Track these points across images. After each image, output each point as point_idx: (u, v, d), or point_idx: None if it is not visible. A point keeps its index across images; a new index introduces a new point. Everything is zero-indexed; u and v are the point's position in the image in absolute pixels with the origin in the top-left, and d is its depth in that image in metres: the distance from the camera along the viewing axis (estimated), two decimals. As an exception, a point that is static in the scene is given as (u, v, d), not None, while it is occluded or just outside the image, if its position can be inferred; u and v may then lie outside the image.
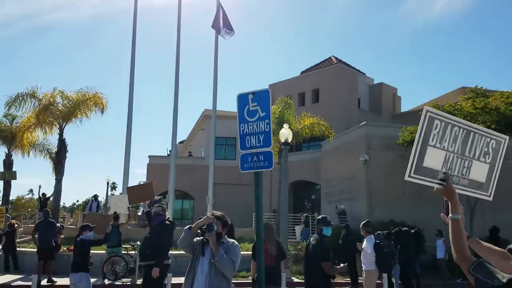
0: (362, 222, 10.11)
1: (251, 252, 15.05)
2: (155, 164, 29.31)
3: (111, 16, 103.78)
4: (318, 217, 6.26)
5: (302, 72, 31.04)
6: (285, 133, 13.90)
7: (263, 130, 4.06)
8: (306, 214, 19.52)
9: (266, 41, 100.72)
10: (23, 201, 58.44)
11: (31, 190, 64.07)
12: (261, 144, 4.11)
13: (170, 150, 29.26)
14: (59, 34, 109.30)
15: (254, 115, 4.05)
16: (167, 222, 7.16)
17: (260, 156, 4.20)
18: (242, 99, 4.18)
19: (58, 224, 13.63)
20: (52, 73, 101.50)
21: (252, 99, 4.08)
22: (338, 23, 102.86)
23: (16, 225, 14.47)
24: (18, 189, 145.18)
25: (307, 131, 18.94)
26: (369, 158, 19.80)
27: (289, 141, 14.04)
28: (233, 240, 3.98)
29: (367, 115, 27.38)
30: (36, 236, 11.69)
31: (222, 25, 18.84)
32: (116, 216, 13.01)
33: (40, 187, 20.55)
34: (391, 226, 17.56)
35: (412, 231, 13.27)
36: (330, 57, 30.61)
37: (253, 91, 4.10)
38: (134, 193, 8.03)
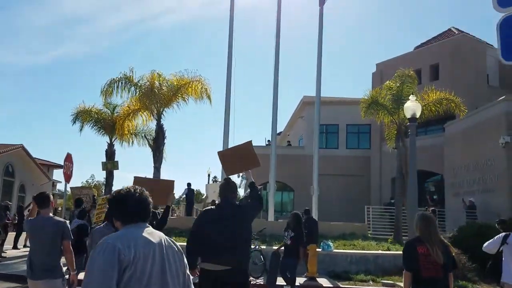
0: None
1: (383, 251, 12.62)
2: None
3: (210, 11, 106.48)
4: None
5: (416, 48, 27.32)
6: (412, 107, 11.19)
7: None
8: (432, 208, 16.48)
9: (370, 20, 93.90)
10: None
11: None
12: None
13: (269, 140, 27.87)
14: (164, 34, 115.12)
15: None
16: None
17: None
18: None
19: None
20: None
21: None
22: None
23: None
24: (127, 183, 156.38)
25: (432, 108, 15.87)
26: (511, 141, 16.09)
27: (417, 116, 11.30)
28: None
29: (498, 92, 22.98)
30: None
31: None
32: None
33: None
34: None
35: None
36: (449, 29, 26.41)
37: None
38: (230, 160, 5.36)
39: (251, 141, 5.36)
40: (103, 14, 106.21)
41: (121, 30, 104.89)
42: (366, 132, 27.95)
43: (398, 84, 15.83)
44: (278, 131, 42.83)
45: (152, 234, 2.33)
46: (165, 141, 16.85)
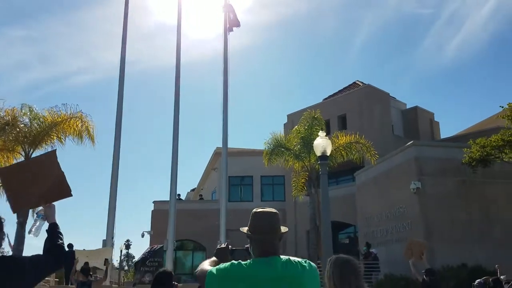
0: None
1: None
2: (161, 211, 25.43)
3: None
4: None
5: (325, 99, 27.67)
6: (322, 143, 10.05)
7: None
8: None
9: (280, 73, 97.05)
10: None
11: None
12: None
13: (179, 194, 25.61)
14: (76, 94, 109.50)
15: None
16: None
17: None
18: None
19: None
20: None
21: None
22: (356, 62, 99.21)
23: None
24: None
25: (342, 152, 15.22)
26: (422, 186, 15.79)
27: (328, 154, 10.19)
28: None
29: (404, 141, 23.54)
30: None
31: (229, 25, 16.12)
32: (86, 268, 9.15)
33: None
34: (463, 271, 13.50)
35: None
36: (355, 82, 27.27)
37: None
38: (21, 184, 2.68)
39: (55, 150, 2.92)
40: (12, 72, 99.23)
41: (31, 89, 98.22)
42: (280, 183, 27.02)
43: (306, 127, 15.08)
44: (193, 187, 40.67)
45: None
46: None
